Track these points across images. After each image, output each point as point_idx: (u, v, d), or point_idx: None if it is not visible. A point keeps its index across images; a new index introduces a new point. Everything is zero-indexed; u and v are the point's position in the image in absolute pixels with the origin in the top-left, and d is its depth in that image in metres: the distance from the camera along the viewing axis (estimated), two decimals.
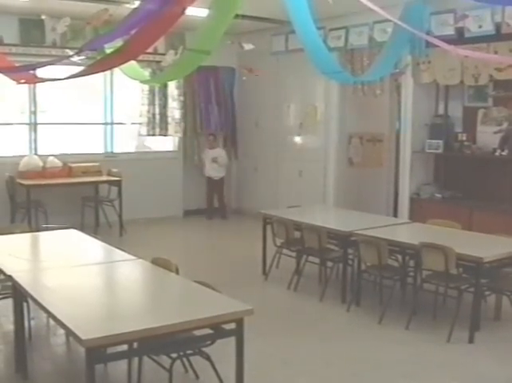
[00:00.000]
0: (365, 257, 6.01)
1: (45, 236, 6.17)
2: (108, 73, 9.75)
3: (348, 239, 6.28)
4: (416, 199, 8.43)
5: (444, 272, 5.30)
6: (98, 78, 9.87)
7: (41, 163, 9.44)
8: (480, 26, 7.10)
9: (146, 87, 10.32)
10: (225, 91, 11.28)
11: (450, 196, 8.18)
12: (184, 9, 4.60)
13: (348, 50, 8.92)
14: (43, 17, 8.84)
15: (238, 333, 3.70)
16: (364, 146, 9.50)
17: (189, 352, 4.01)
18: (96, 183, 9.89)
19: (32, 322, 5.25)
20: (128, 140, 10.79)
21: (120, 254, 5.13)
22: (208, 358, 4.00)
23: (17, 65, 6.80)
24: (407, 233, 6.49)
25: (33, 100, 9.71)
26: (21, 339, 4.59)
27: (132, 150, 10.84)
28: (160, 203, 10.59)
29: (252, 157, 11.21)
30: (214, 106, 11.17)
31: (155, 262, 4.72)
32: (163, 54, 9.90)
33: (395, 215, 8.68)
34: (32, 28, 9.29)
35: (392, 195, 9.23)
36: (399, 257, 6.21)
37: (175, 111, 10.65)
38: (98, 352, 3.33)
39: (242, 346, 3.71)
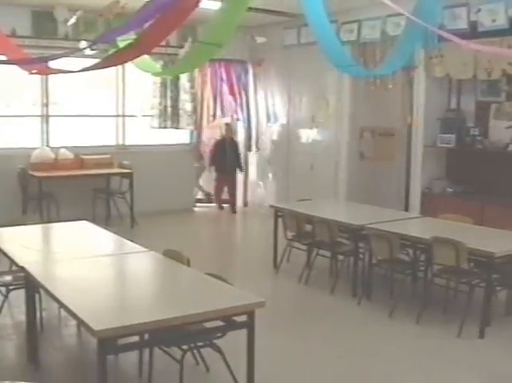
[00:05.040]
0: (376, 251, 6.01)
1: (56, 228, 6.21)
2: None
3: (359, 233, 6.28)
4: (428, 194, 8.41)
5: (455, 267, 5.29)
6: (110, 70, 9.87)
7: (52, 155, 9.48)
8: (493, 20, 7.05)
9: (158, 79, 10.33)
10: (237, 84, 11.26)
11: (462, 191, 8.14)
12: (198, 2, 4.60)
13: (360, 44, 8.88)
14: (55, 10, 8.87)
15: (250, 326, 3.71)
16: (376, 140, 9.46)
17: (200, 344, 4.03)
18: (107, 176, 9.93)
19: (43, 313, 5.28)
20: (139, 133, 10.78)
21: (131, 245, 5.16)
22: (219, 350, 4.01)
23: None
24: (419, 227, 6.48)
25: (46, 92, 9.72)
26: (33, 330, 4.63)
27: (144, 142, 10.83)
28: (171, 196, 10.60)
29: (263, 150, 11.21)
30: (226, 99, 11.19)
31: (167, 254, 4.74)
32: (175, 47, 9.97)
33: (407, 209, 8.64)
34: (44, 20, 9.30)
35: (404, 189, 9.18)
36: (411, 251, 6.20)
37: (186, 103, 10.65)
38: (110, 343, 3.36)
39: (253, 338, 3.72)
